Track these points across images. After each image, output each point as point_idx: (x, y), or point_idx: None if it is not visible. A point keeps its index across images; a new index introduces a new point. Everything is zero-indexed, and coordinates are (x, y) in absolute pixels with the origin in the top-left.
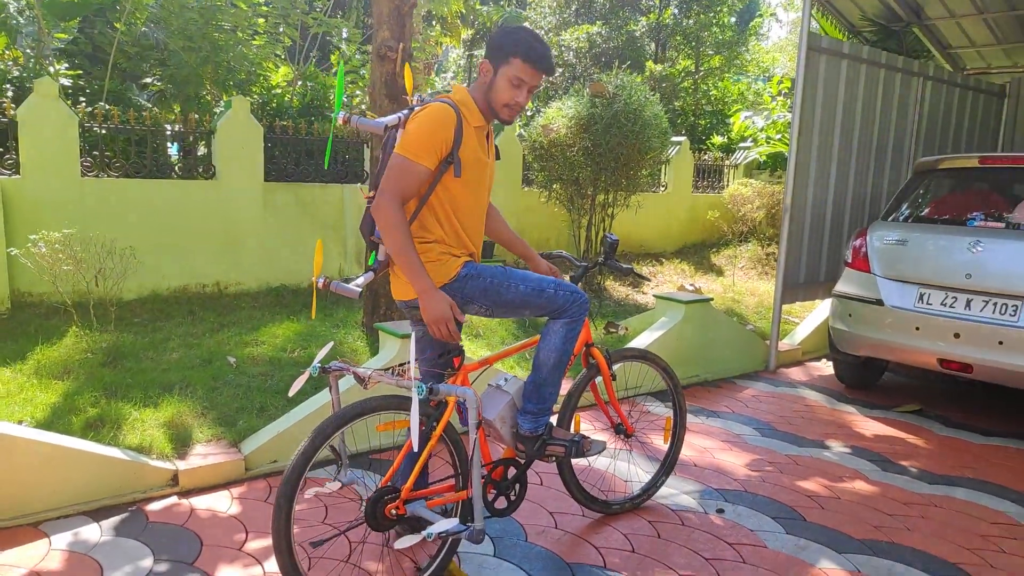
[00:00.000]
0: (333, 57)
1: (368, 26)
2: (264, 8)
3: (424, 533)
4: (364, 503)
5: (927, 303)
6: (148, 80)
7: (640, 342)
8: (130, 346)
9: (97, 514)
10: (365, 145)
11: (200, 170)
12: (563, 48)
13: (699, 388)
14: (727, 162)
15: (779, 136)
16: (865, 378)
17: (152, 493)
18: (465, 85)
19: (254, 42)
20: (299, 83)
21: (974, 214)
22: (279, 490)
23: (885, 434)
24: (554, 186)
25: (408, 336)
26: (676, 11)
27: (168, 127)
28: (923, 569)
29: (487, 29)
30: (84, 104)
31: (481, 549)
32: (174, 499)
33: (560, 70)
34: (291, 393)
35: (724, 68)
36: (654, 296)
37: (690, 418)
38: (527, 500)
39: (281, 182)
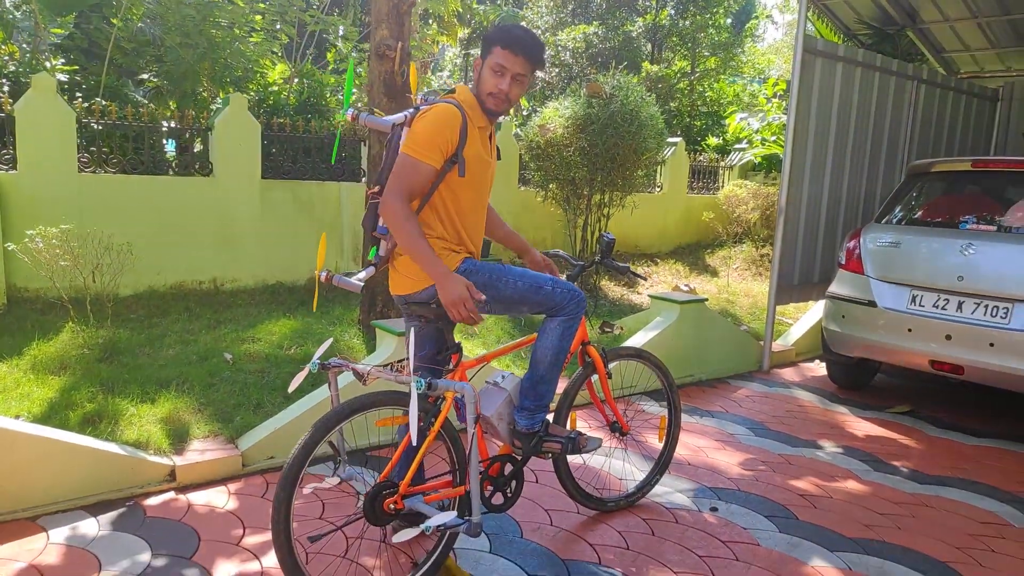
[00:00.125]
0: (329, 55)
1: (365, 24)
2: (261, 5)
3: (422, 526)
4: (362, 498)
5: (919, 305)
6: (144, 76)
7: (635, 342)
8: (127, 342)
9: (95, 509)
10: (362, 143)
11: (197, 167)
12: (560, 48)
13: (693, 388)
14: (722, 163)
15: (774, 138)
16: (857, 379)
17: (149, 488)
18: (462, 83)
19: (251, 39)
20: (296, 80)
21: (966, 217)
22: (279, 484)
23: (877, 434)
24: (550, 186)
25: (405, 334)
26: (672, 12)
27: (166, 123)
28: (914, 567)
29: (484, 28)
30: (80, 100)
31: (477, 545)
32: (171, 494)
33: (556, 70)
34: (291, 389)
35: (720, 69)
36: (649, 296)
37: (684, 417)
38: (523, 497)
39: (278, 179)
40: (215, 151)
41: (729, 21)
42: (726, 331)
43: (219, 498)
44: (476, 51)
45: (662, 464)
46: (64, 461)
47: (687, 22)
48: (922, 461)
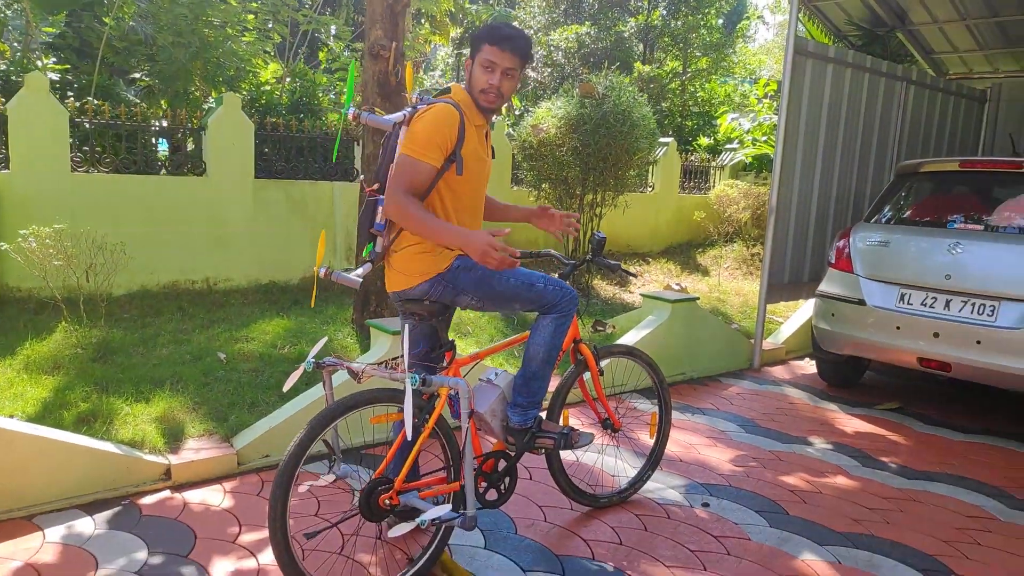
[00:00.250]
0: (322, 54)
1: (358, 23)
2: (254, 4)
3: (418, 520)
4: (358, 494)
5: (908, 303)
6: (136, 75)
7: (627, 340)
8: (120, 342)
9: (90, 507)
10: (356, 143)
11: (190, 166)
12: (552, 48)
13: (685, 386)
14: (713, 163)
15: (765, 138)
16: (847, 376)
17: (145, 487)
18: (456, 83)
19: (243, 38)
20: (288, 80)
21: (954, 217)
22: (275, 481)
23: (866, 431)
24: (543, 185)
25: (399, 333)
26: (664, 12)
27: (160, 123)
28: (902, 560)
29: (476, 28)
30: (72, 99)
31: (472, 541)
32: (167, 493)
33: (549, 70)
34: (285, 388)
35: (711, 70)
36: (641, 295)
37: (676, 415)
38: (517, 494)
39: (271, 179)
40: (208, 150)
41: (721, 22)
42: (717, 329)
43: (215, 496)
44: (468, 51)
45: (654, 460)
46: (60, 460)
47: (679, 22)
48: (910, 457)
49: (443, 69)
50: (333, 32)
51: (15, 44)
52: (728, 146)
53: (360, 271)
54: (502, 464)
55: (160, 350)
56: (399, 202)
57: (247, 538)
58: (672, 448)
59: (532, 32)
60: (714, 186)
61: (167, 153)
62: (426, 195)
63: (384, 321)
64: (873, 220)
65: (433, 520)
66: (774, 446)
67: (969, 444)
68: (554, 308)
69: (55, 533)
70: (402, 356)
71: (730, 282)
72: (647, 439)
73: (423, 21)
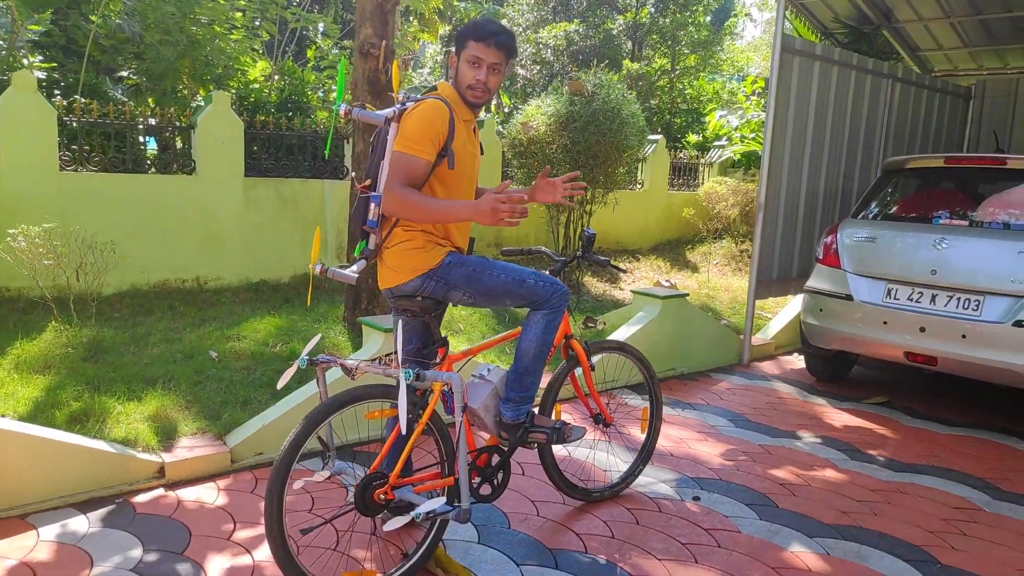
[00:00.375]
0: (310, 52)
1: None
2: (242, 2)
3: (413, 513)
4: (354, 489)
5: (895, 298)
6: (123, 73)
7: (618, 336)
8: (111, 341)
9: (84, 506)
10: (346, 141)
11: (178, 165)
12: (541, 46)
13: (675, 381)
14: (702, 160)
15: (753, 135)
16: (835, 371)
17: (139, 485)
18: (443, 80)
19: (231, 36)
20: (277, 78)
21: (939, 212)
22: (271, 476)
23: (854, 425)
24: (533, 183)
25: (391, 330)
26: (652, 10)
27: (148, 121)
28: (889, 551)
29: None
30: (59, 97)
31: (466, 536)
32: (161, 491)
33: (538, 68)
34: (279, 385)
35: (699, 67)
36: (631, 292)
37: (667, 410)
38: (509, 489)
39: (261, 177)
40: (198, 149)
41: (709, 19)
42: (707, 325)
43: (208, 494)
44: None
45: (645, 455)
46: (53, 459)
47: (667, 20)
48: (898, 450)
49: (432, 66)
50: (321, 30)
51: (0, 42)
52: (716, 143)
53: (355, 267)
54: (495, 459)
55: (151, 349)
56: (398, 194)
57: (242, 535)
58: (663, 443)
59: (521, 30)
60: (703, 183)
61: (156, 151)
62: (419, 190)
63: (376, 319)
64: (860, 216)
65: (428, 513)
66: (764, 440)
67: (955, 437)
68: (545, 304)
69: (49, 532)
70: (395, 352)
71: (719, 278)
72: (639, 434)
73: (412, 19)
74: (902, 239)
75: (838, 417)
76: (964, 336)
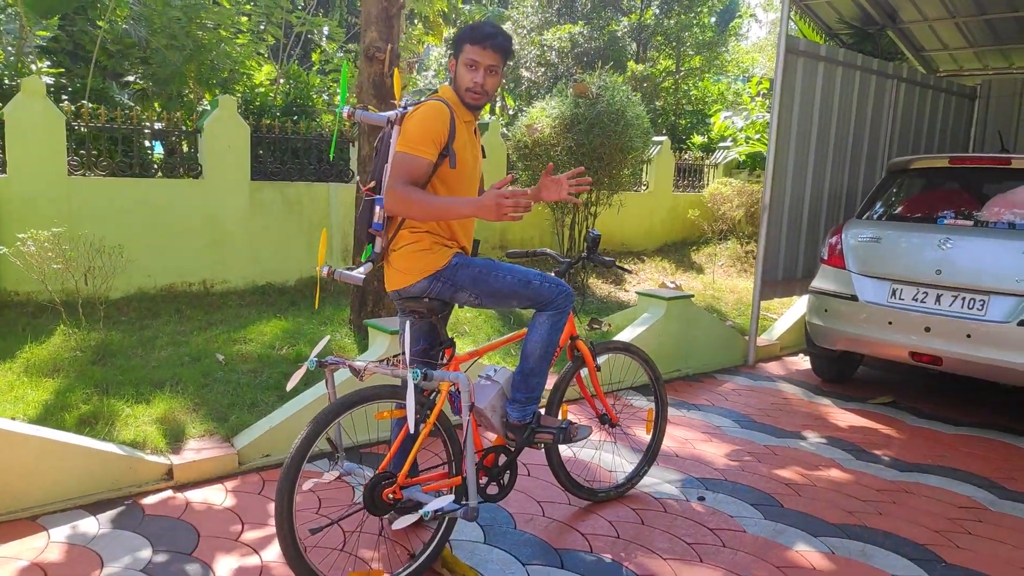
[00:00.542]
0: (315, 55)
1: (351, 24)
2: (247, 7)
3: (421, 511)
4: (362, 489)
5: (899, 298)
6: (130, 78)
7: (623, 337)
8: (119, 344)
9: (94, 508)
10: (351, 144)
11: (185, 169)
12: (545, 48)
13: (680, 382)
14: (707, 161)
15: (758, 136)
16: (841, 371)
17: (147, 487)
18: (444, 84)
19: (237, 40)
20: (282, 81)
21: (944, 212)
22: (281, 476)
23: (859, 425)
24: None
25: (397, 332)
26: (657, 11)
27: (156, 126)
28: (894, 550)
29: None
30: (67, 102)
31: (472, 536)
32: (169, 493)
33: (543, 70)
34: (289, 387)
35: (704, 68)
36: (636, 293)
37: (672, 411)
38: (516, 490)
39: (267, 181)
40: (204, 153)
41: (713, 20)
42: (712, 326)
43: (216, 496)
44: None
45: (650, 455)
46: (62, 461)
47: (672, 21)
48: (903, 450)
49: (436, 69)
50: (326, 33)
51: (8, 48)
52: (721, 144)
53: (362, 269)
54: (502, 459)
55: (159, 352)
56: (401, 193)
57: (250, 536)
58: (668, 443)
59: (525, 32)
60: (708, 184)
61: (162, 156)
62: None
63: (382, 321)
64: (865, 216)
65: (436, 511)
66: (769, 440)
67: (961, 436)
68: (550, 305)
69: (60, 533)
70: (403, 353)
71: (725, 279)
72: (644, 435)
73: (416, 22)
74: (907, 239)
75: (843, 417)
76: (969, 336)
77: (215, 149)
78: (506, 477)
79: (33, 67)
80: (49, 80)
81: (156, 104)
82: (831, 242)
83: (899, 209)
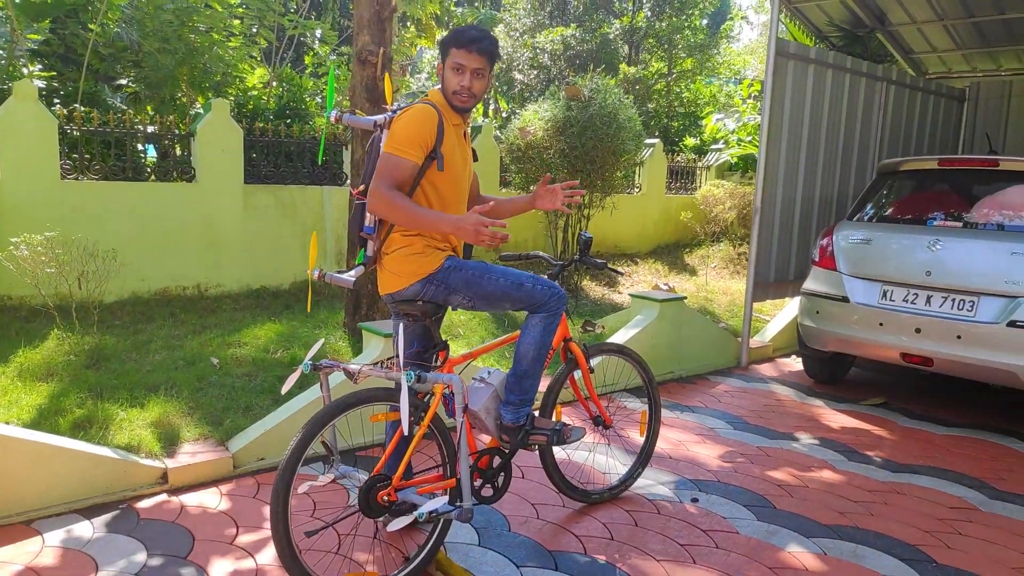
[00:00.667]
0: (308, 58)
1: (344, 28)
2: (240, 10)
3: (416, 513)
4: (357, 492)
5: (890, 300)
6: (122, 82)
7: (616, 340)
8: (113, 348)
9: (88, 512)
10: (344, 148)
11: (178, 172)
12: (538, 50)
13: (673, 384)
14: (699, 164)
15: (750, 138)
16: (833, 373)
17: (142, 491)
18: (434, 88)
19: (230, 44)
20: (275, 85)
21: (934, 214)
22: (276, 479)
23: (851, 426)
24: (531, 188)
25: (391, 335)
26: (649, 14)
27: (149, 129)
28: (885, 550)
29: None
30: (59, 105)
31: (466, 539)
32: (164, 496)
33: (535, 72)
34: (283, 390)
35: (696, 70)
36: (629, 295)
37: (665, 413)
38: (510, 492)
39: (260, 184)
40: (197, 157)
41: (705, 22)
42: (705, 328)
43: (211, 499)
44: None
45: (644, 457)
46: (57, 465)
47: (663, 24)
48: (895, 451)
49: (429, 72)
50: (319, 36)
51: (0, 51)
52: (714, 146)
53: (353, 272)
54: (496, 461)
55: (153, 356)
56: (384, 195)
57: (245, 539)
58: (662, 445)
59: (518, 34)
60: (700, 186)
61: (155, 159)
62: (411, 194)
63: (376, 324)
64: (855, 218)
65: (431, 512)
66: (761, 442)
67: (952, 437)
68: (543, 307)
69: (54, 537)
70: (396, 356)
71: (717, 281)
72: (638, 437)
73: (409, 24)
74: (897, 241)
75: (836, 418)
76: (959, 337)
77: (208, 153)
78: (501, 479)
79: (25, 71)
80: (41, 84)
81: (149, 107)
82: (822, 244)
83: (889, 211)
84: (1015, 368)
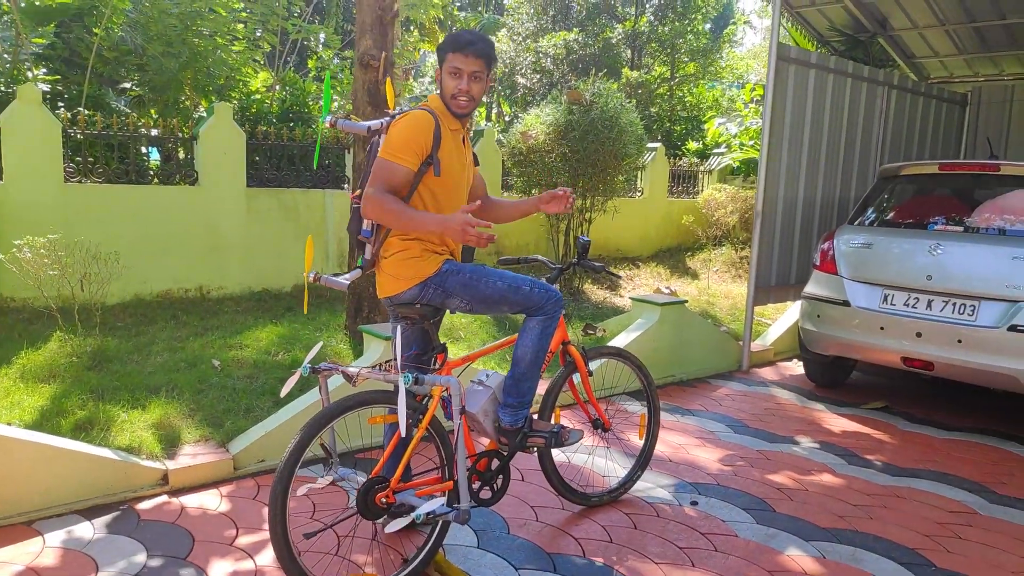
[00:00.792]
0: (311, 62)
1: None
2: (243, 14)
3: (413, 515)
4: (355, 493)
5: (891, 304)
6: (126, 85)
7: (617, 343)
8: (115, 350)
9: (89, 513)
10: (347, 151)
11: (181, 175)
12: (541, 54)
13: (674, 388)
14: (701, 168)
15: (752, 142)
16: (834, 377)
17: (143, 492)
18: (433, 93)
19: (233, 48)
20: (278, 88)
21: (935, 218)
22: (274, 481)
23: (852, 430)
24: (533, 191)
25: (391, 337)
26: (652, 18)
27: (152, 133)
28: (884, 554)
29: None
30: (63, 109)
31: (465, 541)
32: (164, 498)
33: (538, 76)
34: (282, 393)
35: (699, 75)
36: (630, 299)
37: (666, 416)
38: (509, 495)
39: (263, 187)
40: (200, 160)
41: (708, 27)
42: (706, 332)
43: (211, 501)
44: None
45: (643, 460)
46: (58, 466)
47: (666, 28)
48: (895, 455)
49: (432, 76)
50: (322, 40)
51: (5, 55)
52: (716, 150)
53: (348, 275)
54: (495, 463)
55: (155, 358)
56: (377, 199)
57: (244, 540)
58: (662, 448)
59: (521, 39)
60: (702, 190)
61: (159, 162)
62: (408, 198)
63: (377, 326)
64: (856, 222)
65: (428, 514)
66: (762, 446)
67: (953, 441)
68: (540, 310)
69: (55, 538)
70: (395, 358)
71: (719, 285)
72: (637, 440)
73: (412, 28)
74: (898, 245)
75: (836, 422)
76: (960, 341)
77: (211, 156)
78: (499, 481)
79: (29, 74)
80: (45, 87)
81: (152, 111)
82: (823, 248)
83: (890, 215)
84: (1016, 372)
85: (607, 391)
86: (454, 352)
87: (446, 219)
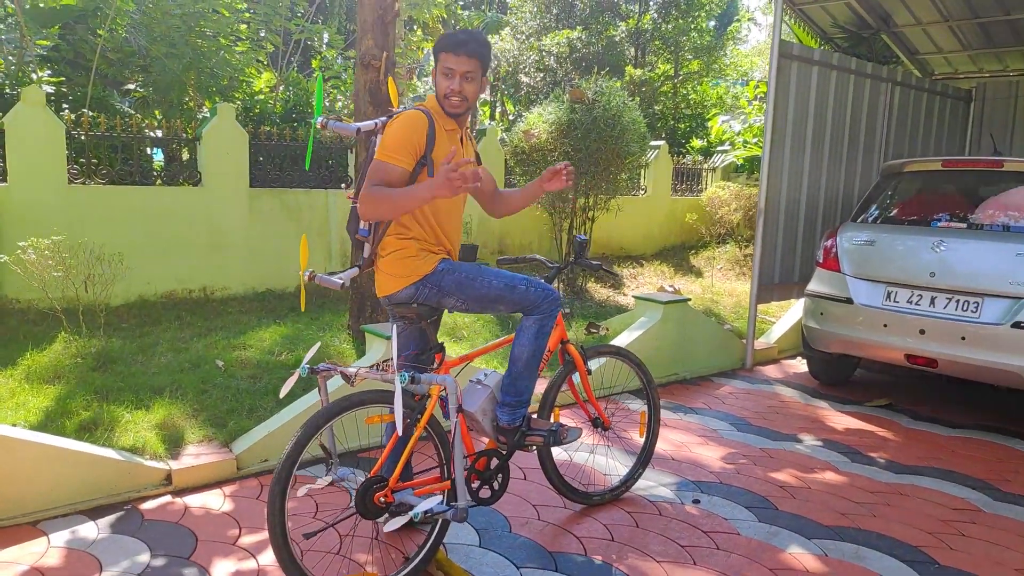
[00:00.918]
0: (315, 62)
1: (350, 31)
2: (247, 15)
3: (411, 513)
4: (355, 492)
5: (894, 301)
6: (130, 86)
7: (620, 342)
8: (119, 351)
9: (93, 513)
10: (349, 151)
11: (185, 176)
12: (544, 53)
13: (677, 386)
14: (705, 165)
15: (756, 140)
16: (838, 374)
17: (146, 492)
18: (431, 93)
19: (237, 48)
20: (281, 89)
21: (938, 215)
22: (273, 481)
23: (856, 427)
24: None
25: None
26: (655, 16)
27: (156, 134)
28: (887, 552)
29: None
30: (67, 111)
31: (467, 540)
32: (168, 498)
33: (541, 75)
34: (282, 394)
35: (703, 72)
36: (634, 297)
37: (669, 414)
38: (511, 493)
39: (266, 188)
40: (203, 161)
41: (712, 24)
42: (709, 330)
43: (215, 500)
44: None
45: (644, 459)
46: (62, 466)
47: (670, 26)
48: (899, 452)
49: None
50: (326, 40)
51: (9, 57)
52: (720, 148)
53: (344, 274)
54: (494, 462)
55: (159, 358)
56: (366, 194)
57: (247, 540)
58: (664, 446)
59: (524, 37)
60: (706, 188)
61: (162, 163)
62: None
63: (379, 326)
64: (860, 220)
65: (426, 512)
66: (765, 444)
67: (957, 439)
68: (536, 309)
69: (59, 538)
70: (392, 358)
71: (723, 283)
72: (638, 438)
73: (415, 28)
74: (901, 242)
75: (840, 420)
76: (964, 338)
77: (214, 157)
78: (498, 480)
79: (33, 76)
80: (49, 89)
81: (156, 112)
82: (826, 245)
83: (893, 212)
84: (1019, 369)
85: (607, 390)
86: (457, 351)
87: (431, 181)
